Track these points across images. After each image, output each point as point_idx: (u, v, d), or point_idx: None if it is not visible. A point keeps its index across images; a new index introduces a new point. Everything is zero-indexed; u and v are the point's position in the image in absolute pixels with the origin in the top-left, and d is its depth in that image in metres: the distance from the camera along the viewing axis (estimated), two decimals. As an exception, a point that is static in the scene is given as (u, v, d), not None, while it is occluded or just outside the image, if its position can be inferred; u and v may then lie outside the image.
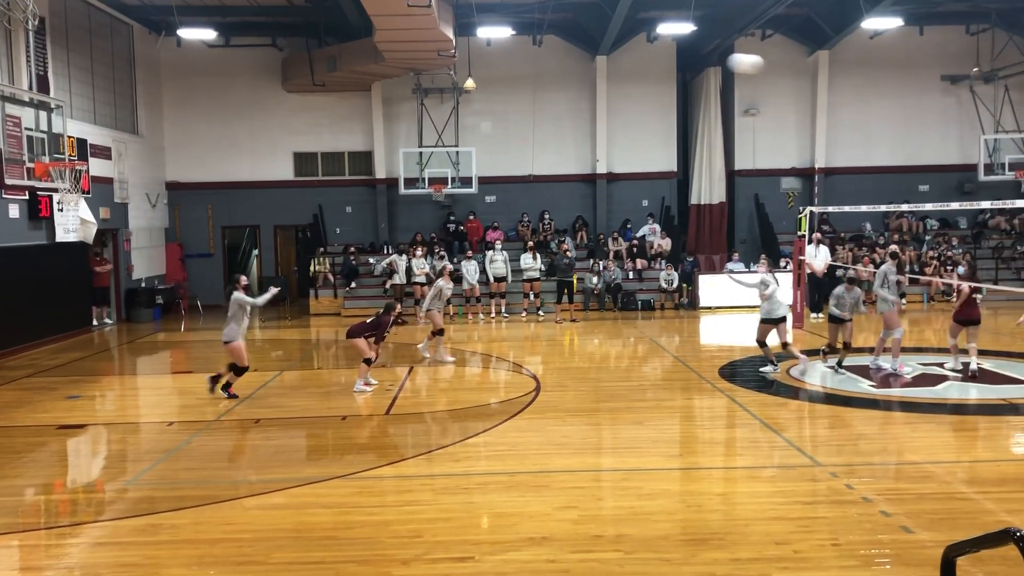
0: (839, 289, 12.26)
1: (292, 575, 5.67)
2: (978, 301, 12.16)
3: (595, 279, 21.39)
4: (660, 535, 6.20)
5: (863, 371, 12.35)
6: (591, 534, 6.24)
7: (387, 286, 21.02)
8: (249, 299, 11.17)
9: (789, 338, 12.62)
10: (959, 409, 10.18)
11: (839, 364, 12.31)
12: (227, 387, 11.27)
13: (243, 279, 11.63)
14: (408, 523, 6.54)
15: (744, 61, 12.72)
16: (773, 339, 12.37)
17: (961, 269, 16.55)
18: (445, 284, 14.53)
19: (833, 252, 21.26)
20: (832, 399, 10.88)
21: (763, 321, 12.47)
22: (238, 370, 11.31)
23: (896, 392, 11.03)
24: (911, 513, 6.53)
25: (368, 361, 11.80)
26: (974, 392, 11.01)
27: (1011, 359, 13.23)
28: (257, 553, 6.01)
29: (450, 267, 16.32)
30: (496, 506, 6.93)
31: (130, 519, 6.81)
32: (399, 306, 13.25)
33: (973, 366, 11.75)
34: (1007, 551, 3.51)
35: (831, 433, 9.22)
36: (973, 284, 12.07)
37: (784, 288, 19.36)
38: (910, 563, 5.65)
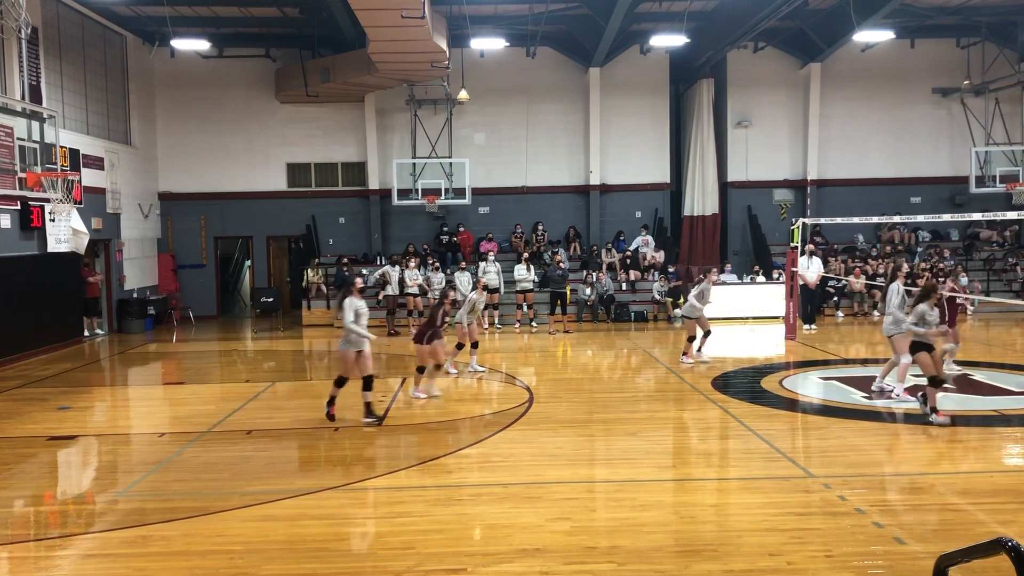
0: (923, 306, 9.99)
1: (283, 587, 5.63)
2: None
3: (588, 290, 21.40)
4: (653, 546, 6.18)
5: (856, 382, 12.36)
6: (584, 545, 6.22)
7: (380, 297, 21.00)
8: (347, 315, 10.17)
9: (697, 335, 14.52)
10: (951, 420, 10.19)
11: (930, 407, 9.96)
12: (367, 409, 10.33)
13: (358, 282, 10.49)
14: (400, 535, 6.51)
15: None
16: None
17: (964, 280, 16.65)
18: (479, 297, 14.14)
19: (826, 264, 21.35)
20: (825, 411, 10.89)
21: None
22: (340, 382, 10.43)
23: (889, 404, 11.03)
24: (904, 524, 6.53)
25: (421, 369, 11.66)
26: (966, 404, 11.03)
27: (1003, 371, 13.27)
28: (248, 565, 5.98)
29: (484, 280, 15.87)
30: (489, 518, 6.90)
31: (120, 531, 6.76)
32: (452, 293, 12.66)
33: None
34: (999, 562, 3.51)
35: (824, 444, 9.21)
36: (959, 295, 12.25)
37: (776, 299, 19.50)
38: (903, 574, 5.64)
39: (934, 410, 9.77)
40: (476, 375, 13.86)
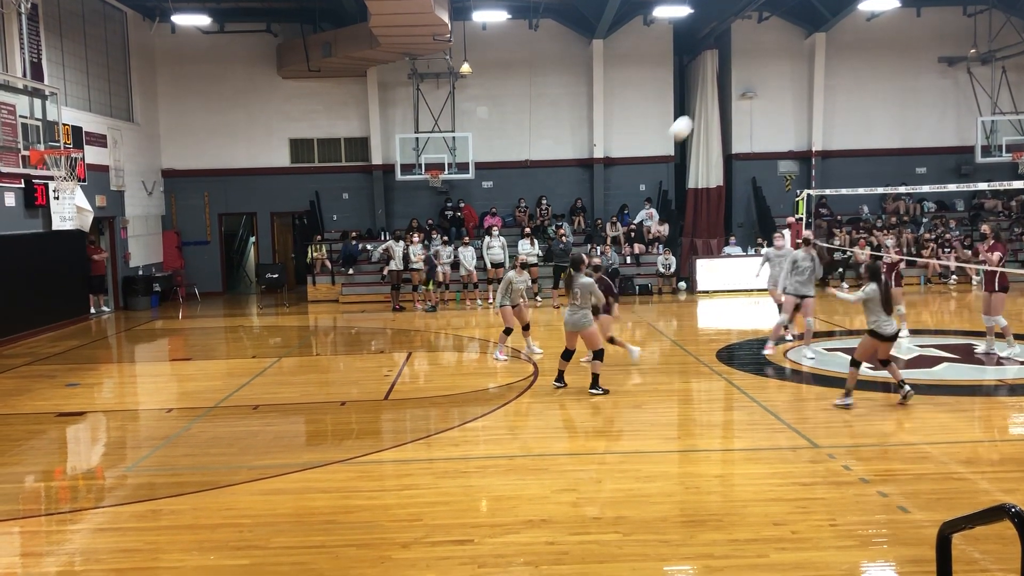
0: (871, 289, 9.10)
1: (292, 559, 5.69)
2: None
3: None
4: (658, 517, 6.23)
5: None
6: (589, 516, 6.27)
7: (384, 273, 21.02)
8: (598, 294, 10.20)
9: None
10: (955, 390, 10.20)
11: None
12: (595, 382, 10.24)
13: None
14: (408, 507, 6.57)
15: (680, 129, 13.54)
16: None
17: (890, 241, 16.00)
18: (517, 277, 12.75)
19: (831, 235, 21.28)
20: (829, 381, 10.90)
21: None
22: (599, 354, 10.31)
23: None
24: (908, 493, 6.57)
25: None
26: (970, 373, 11.04)
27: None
28: (257, 538, 6.04)
29: (523, 257, 13.88)
30: (495, 489, 6.95)
31: (130, 505, 6.83)
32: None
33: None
34: (1003, 530, 3.54)
35: (828, 415, 9.23)
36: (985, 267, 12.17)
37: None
38: (907, 542, 5.68)
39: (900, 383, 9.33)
40: (534, 356, 12.91)
